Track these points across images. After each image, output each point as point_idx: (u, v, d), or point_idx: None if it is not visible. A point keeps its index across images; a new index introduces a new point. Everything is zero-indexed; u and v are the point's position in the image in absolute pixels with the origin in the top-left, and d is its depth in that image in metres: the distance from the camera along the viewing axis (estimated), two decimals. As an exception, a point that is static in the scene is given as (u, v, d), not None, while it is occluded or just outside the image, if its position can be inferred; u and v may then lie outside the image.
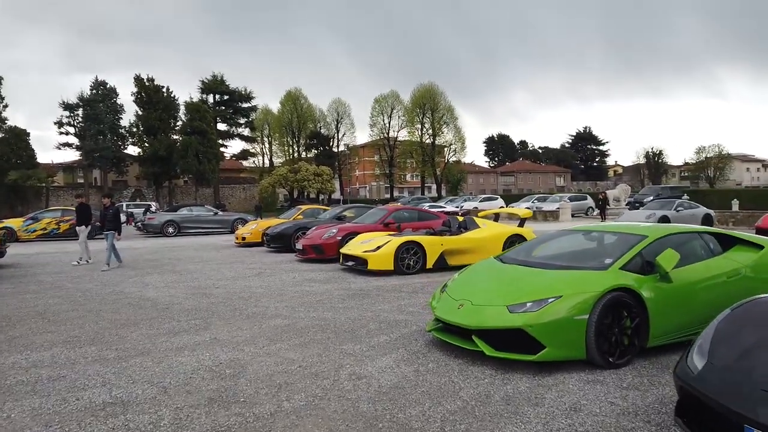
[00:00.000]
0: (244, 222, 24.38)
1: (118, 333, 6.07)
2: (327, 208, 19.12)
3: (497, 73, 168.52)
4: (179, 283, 9.80)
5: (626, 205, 34.61)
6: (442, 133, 69.17)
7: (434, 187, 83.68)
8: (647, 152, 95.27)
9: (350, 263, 10.68)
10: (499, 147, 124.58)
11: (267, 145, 73.74)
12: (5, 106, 47.57)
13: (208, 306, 7.61)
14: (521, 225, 11.89)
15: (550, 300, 4.48)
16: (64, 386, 4.31)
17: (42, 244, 20.60)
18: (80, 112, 50.83)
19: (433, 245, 10.35)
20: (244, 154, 69.42)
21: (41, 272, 11.78)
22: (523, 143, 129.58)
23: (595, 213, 34.65)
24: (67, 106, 50.56)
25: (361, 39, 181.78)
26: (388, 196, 72.99)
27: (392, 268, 10.00)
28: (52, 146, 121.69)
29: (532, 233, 11.53)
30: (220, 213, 26.06)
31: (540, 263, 5.36)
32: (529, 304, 4.53)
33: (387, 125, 71.31)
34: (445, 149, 70.04)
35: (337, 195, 68.49)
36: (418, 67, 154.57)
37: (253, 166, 74.58)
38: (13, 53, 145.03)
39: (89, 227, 13.67)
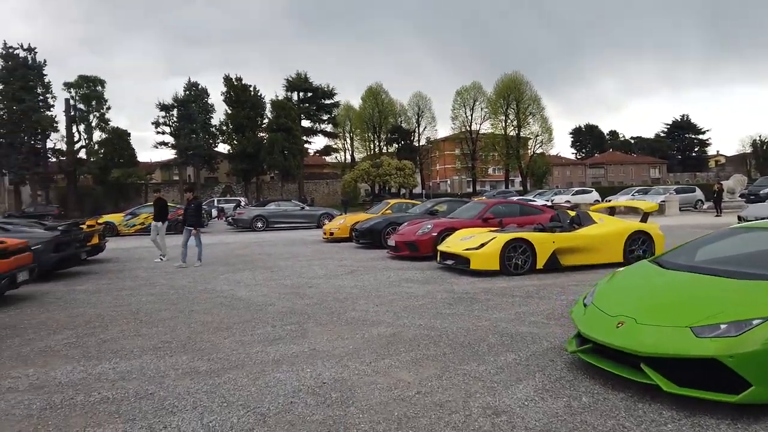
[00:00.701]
0: (331, 217, 24.15)
1: (210, 339, 5.54)
2: (416, 202, 18.33)
3: (582, 61, 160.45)
4: (271, 281, 9.34)
5: (740, 197, 31.27)
6: (528, 124, 66.59)
7: (517, 180, 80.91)
8: (754, 141, 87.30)
9: (449, 262, 9.78)
10: (588, 138, 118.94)
11: (349, 141, 74.41)
12: (108, 108, 50.78)
13: (303, 308, 6.99)
14: (644, 220, 10.45)
15: (755, 322, 3.36)
16: (151, 408, 3.73)
17: (140, 238, 21.31)
18: (175, 112, 53.26)
19: (544, 243, 9.22)
20: (327, 150, 70.28)
21: (137, 267, 11.83)
22: (614, 133, 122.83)
23: (705, 206, 31.52)
24: (163, 107, 53.13)
25: (441, 33, 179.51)
26: (470, 190, 71.48)
27: (498, 269, 9.00)
28: (150, 145, 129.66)
29: (657, 229, 10.09)
30: (307, 208, 25.99)
31: (722, 270, 4.19)
32: (723, 327, 3.42)
33: (469, 118, 69.73)
34: (530, 141, 67.38)
35: (417, 189, 67.69)
36: (499, 58, 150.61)
37: (335, 161, 75.48)
38: (117, 60, 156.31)
39: (166, 223, 13.33)
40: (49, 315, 6.90)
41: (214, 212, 38.45)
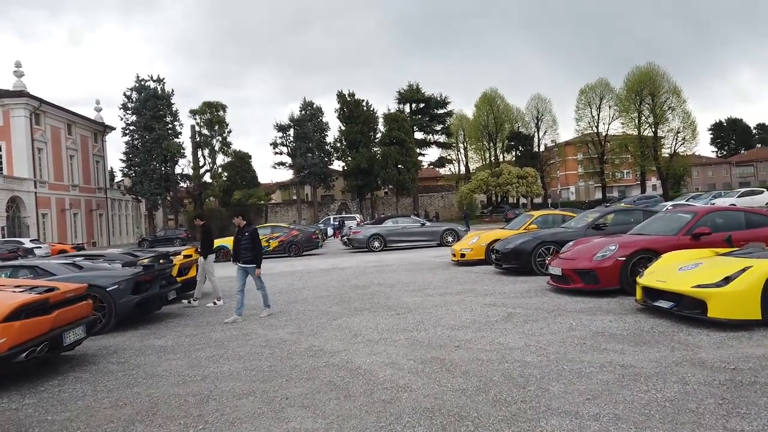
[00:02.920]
0: (455, 233, 21.32)
1: (304, 495, 2.92)
2: (571, 213, 14.86)
3: (713, 49, 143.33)
4: (399, 334, 6.67)
5: None
6: (666, 120, 59.07)
7: (649, 184, 72.58)
8: None
9: (663, 305, 6.49)
10: (730, 133, 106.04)
11: (463, 151, 71.27)
12: (229, 131, 52.24)
13: (460, 402, 4.19)
14: None
15: None
16: None
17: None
18: (292, 132, 53.72)
19: (836, 276, 5.65)
20: (441, 162, 67.73)
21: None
22: (762, 126, 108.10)
23: None
24: (280, 128, 53.91)
25: (553, 33, 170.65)
26: (598, 196, 64.91)
27: (759, 318, 5.60)
28: (269, 166, 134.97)
29: None
30: (428, 223, 23.36)
31: None
32: None
33: (596, 118, 63.57)
34: (663, 140, 59.62)
35: (537, 199, 62.53)
36: (621, 52, 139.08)
37: (449, 173, 72.71)
38: (242, 92, 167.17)
39: (212, 256, 10.47)
40: (85, 403, 4.73)
41: (330, 231, 37.27)
